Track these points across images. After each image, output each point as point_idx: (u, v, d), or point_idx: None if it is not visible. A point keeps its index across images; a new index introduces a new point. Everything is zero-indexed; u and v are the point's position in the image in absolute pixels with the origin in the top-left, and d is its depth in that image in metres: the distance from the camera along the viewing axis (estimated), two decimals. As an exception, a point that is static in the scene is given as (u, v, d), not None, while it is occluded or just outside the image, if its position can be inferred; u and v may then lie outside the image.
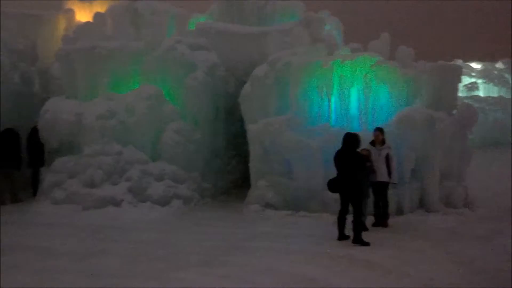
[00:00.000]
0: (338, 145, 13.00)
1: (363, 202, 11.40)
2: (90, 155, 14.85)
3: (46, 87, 18.26)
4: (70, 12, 20.53)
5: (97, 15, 18.13)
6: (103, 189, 14.35)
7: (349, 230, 11.00)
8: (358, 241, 10.69)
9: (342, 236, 11.02)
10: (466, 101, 26.86)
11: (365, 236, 10.84)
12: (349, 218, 11.00)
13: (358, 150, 11.26)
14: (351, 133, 11.37)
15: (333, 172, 11.23)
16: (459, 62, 36.57)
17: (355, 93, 14.10)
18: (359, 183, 10.99)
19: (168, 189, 14.63)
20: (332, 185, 11.08)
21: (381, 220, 12.37)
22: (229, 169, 17.13)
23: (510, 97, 38.23)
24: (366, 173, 11.66)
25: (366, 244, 10.59)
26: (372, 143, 12.45)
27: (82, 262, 9.62)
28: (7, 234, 11.63)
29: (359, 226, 10.82)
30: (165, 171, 14.96)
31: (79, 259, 9.79)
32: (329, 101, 14.22)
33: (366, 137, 12.51)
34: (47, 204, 14.38)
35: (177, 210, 14.28)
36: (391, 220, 12.53)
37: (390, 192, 12.64)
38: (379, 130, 12.61)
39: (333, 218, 12.10)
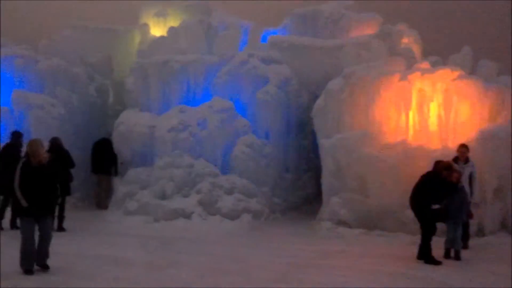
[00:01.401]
0: (416, 162, 12.57)
1: (457, 223, 10.89)
2: (162, 167, 14.91)
3: (121, 100, 18.55)
4: (145, 26, 20.85)
5: (171, 30, 18.30)
6: (174, 201, 14.37)
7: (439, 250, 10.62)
8: (429, 260, 10.40)
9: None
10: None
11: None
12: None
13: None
14: (442, 161, 10.94)
15: (410, 190, 10.85)
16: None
17: (435, 108, 13.53)
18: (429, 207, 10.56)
19: (238, 203, 14.48)
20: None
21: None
22: (300, 184, 16.83)
23: None
24: (460, 196, 11.07)
25: (438, 263, 10.33)
26: (455, 159, 11.86)
27: (154, 273, 9.51)
28: (81, 242, 11.78)
29: (427, 247, 10.51)
30: (235, 184, 14.83)
31: (150, 270, 9.69)
32: (407, 116, 13.72)
33: (446, 154, 12.00)
34: (119, 214, 14.51)
35: (247, 224, 14.09)
36: (471, 242, 11.93)
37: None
38: (465, 147, 12.05)
39: (410, 238, 11.63)
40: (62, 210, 13.08)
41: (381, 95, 13.85)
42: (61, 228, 13.01)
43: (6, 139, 15.14)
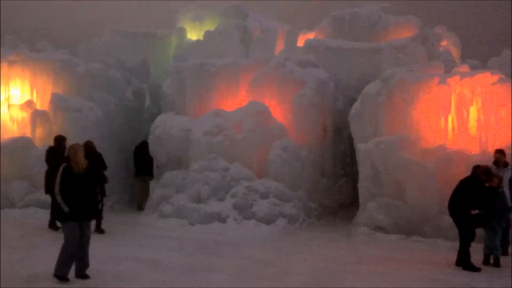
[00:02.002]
0: (455, 167, 12.33)
1: (496, 229, 10.69)
2: (197, 171, 14.91)
3: (157, 103, 18.67)
4: (182, 30, 20.99)
5: (207, 33, 18.39)
6: (209, 204, 14.33)
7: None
8: (468, 267, 10.28)
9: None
10: None
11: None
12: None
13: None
14: (481, 166, 10.75)
15: (448, 195, 10.74)
16: None
17: (474, 112, 13.26)
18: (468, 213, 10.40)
19: (273, 207, 14.36)
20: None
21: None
22: (336, 188, 16.66)
23: None
24: (500, 201, 10.81)
25: (477, 269, 10.21)
26: (494, 163, 11.61)
27: (190, 276, 9.51)
28: (117, 245, 11.87)
29: (466, 253, 10.38)
30: (270, 188, 14.72)
31: (187, 273, 9.70)
32: (445, 120, 13.48)
33: (485, 158, 11.79)
34: (155, 217, 14.56)
35: (282, 229, 13.96)
36: (511, 248, 11.63)
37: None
38: (501, 152, 11.85)
39: (449, 244, 11.46)
40: (100, 212, 13.17)
41: (420, 99, 13.65)
42: (99, 230, 13.19)
43: (43, 142, 15.44)
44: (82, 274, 9.03)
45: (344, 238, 13.26)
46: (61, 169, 8.89)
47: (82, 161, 9.02)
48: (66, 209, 8.73)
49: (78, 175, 8.89)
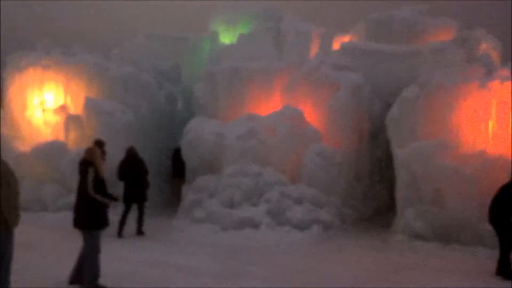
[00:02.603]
0: (495, 173, 11.98)
1: None
2: (230, 175, 14.75)
3: (189, 107, 18.58)
4: (215, 34, 20.89)
5: (240, 37, 18.22)
6: (242, 210, 14.13)
7: None
8: (508, 276, 9.95)
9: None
10: None
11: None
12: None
13: None
14: None
15: (488, 202, 10.45)
16: None
17: (516, 117, 12.81)
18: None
19: (307, 213, 14.07)
20: None
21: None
22: (372, 194, 16.31)
23: None
24: None
25: None
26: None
27: (223, 283, 9.35)
28: (149, 249, 11.79)
29: (506, 262, 10.05)
30: (304, 194, 14.46)
31: (220, 279, 9.54)
32: (486, 125, 13.06)
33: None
34: (187, 222, 14.43)
35: (317, 235, 13.66)
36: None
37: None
38: None
39: (488, 252, 11.29)
40: (141, 215, 13.54)
41: (459, 103, 13.25)
42: (140, 232, 13.43)
43: (76, 146, 15.50)
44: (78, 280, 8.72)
45: (380, 245, 12.90)
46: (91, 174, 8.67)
47: (101, 165, 8.84)
48: (114, 198, 8.80)
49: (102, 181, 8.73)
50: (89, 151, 8.97)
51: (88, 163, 8.67)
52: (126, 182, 13.64)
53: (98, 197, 8.56)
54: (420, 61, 15.04)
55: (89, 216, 8.53)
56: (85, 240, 8.57)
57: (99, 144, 14.02)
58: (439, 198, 12.95)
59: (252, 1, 20.64)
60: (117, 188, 13.64)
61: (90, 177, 8.57)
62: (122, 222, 13.31)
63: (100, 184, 8.63)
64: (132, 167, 13.69)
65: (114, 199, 8.89)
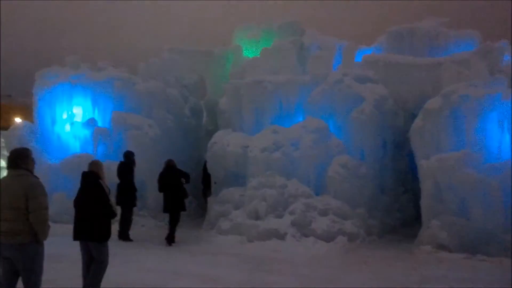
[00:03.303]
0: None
1: None
2: (255, 187, 14.88)
3: (214, 120, 18.80)
4: (238, 48, 21.11)
5: (263, 51, 18.41)
6: (267, 221, 14.24)
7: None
8: None
9: None
10: None
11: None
12: None
13: None
14: None
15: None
16: None
17: (541, 128, 12.82)
18: None
19: (332, 225, 14.14)
20: None
21: None
22: (397, 206, 16.33)
23: None
24: None
25: None
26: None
27: (250, 293, 9.42)
28: (176, 260, 11.94)
29: None
30: (329, 205, 14.52)
31: (247, 290, 9.61)
32: (510, 135, 13.06)
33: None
34: (213, 234, 14.58)
35: (342, 246, 13.72)
36: None
37: None
38: None
39: None
40: (175, 224, 14.00)
41: (483, 114, 13.30)
42: (171, 239, 13.85)
43: (103, 157, 15.88)
44: None
45: (406, 257, 12.90)
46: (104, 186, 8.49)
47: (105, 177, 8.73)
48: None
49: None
50: (95, 164, 8.77)
51: (96, 176, 8.56)
52: (165, 193, 14.09)
53: (115, 208, 8.58)
54: (442, 73, 15.05)
55: (106, 228, 8.40)
56: (99, 252, 8.34)
57: (129, 155, 14.54)
58: (464, 209, 12.97)
59: (275, 15, 20.86)
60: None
61: (106, 189, 8.49)
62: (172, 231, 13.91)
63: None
64: (170, 179, 14.07)
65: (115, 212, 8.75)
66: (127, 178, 14.67)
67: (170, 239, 13.77)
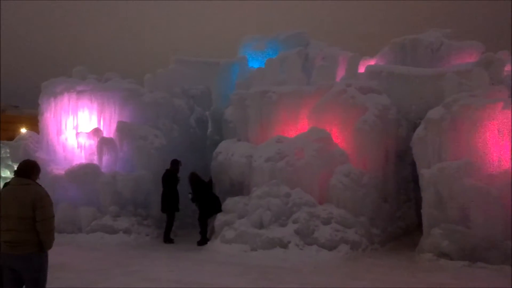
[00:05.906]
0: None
1: None
2: (259, 196, 15.00)
3: (219, 130, 18.98)
4: (244, 59, 21.32)
5: (269, 61, 18.61)
6: (271, 230, 14.36)
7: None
8: None
9: None
10: None
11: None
12: None
13: None
14: None
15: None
16: None
17: (541, 137, 12.91)
18: None
19: (335, 233, 14.25)
20: None
21: None
22: (400, 214, 16.44)
23: None
24: None
25: None
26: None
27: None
28: (180, 269, 12.09)
29: None
30: (332, 214, 14.63)
31: (249, 297, 9.73)
32: (510, 145, 13.16)
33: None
34: (218, 243, 14.70)
35: (345, 255, 13.84)
36: None
37: None
38: None
39: None
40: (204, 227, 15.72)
41: (484, 124, 13.41)
42: (205, 241, 15.38)
43: (109, 169, 16.29)
44: None
45: (408, 265, 13.01)
46: None
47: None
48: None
49: None
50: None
51: None
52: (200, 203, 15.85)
53: None
54: (445, 83, 15.20)
55: None
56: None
57: (175, 163, 16.27)
58: (465, 217, 13.04)
59: (280, 27, 21.11)
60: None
61: None
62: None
63: None
64: (200, 189, 15.69)
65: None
66: (172, 185, 15.96)
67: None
